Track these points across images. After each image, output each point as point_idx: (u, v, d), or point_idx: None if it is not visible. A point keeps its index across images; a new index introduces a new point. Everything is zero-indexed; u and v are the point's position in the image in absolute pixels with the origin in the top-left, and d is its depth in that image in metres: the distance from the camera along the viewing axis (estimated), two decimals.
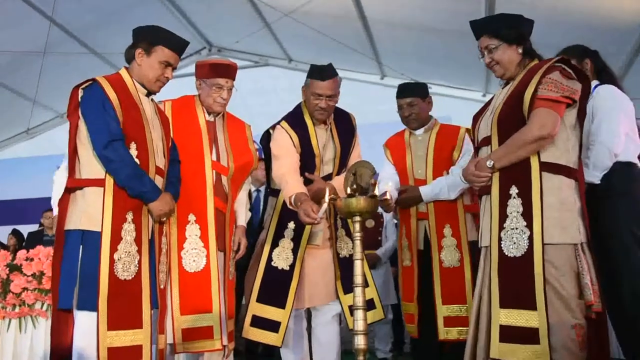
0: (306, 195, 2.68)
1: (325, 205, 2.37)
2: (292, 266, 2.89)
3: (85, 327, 2.25)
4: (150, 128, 2.47)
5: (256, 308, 2.88)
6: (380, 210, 3.74)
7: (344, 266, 2.91)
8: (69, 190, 2.41)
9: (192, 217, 2.73)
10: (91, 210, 2.31)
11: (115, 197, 2.31)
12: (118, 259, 2.28)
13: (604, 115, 2.62)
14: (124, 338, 2.26)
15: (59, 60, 6.33)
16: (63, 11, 5.84)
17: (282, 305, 2.85)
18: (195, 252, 2.70)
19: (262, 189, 4.24)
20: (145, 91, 2.52)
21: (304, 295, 2.92)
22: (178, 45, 2.53)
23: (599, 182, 2.59)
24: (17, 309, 3.62)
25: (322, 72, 2.91)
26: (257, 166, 3.09)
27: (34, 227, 6.16)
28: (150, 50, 2.47)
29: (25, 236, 6.69)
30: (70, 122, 2.43)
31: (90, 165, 2.36)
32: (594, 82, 2.76)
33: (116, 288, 2.26)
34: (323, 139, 3.02)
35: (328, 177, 3.01)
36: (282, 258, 2.91)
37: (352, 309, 2.18)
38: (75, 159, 2.41)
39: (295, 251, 2.91)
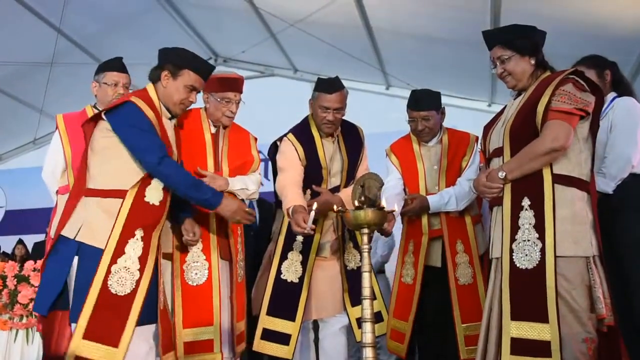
0: (303, 207, 2.68)
1: (312, 214, 2.41)
2: (302, 279, 2.89)
3: None
4: (173, 149, 2.49)
5: (266, 321, 2.88)
6: None
7: (352, 278, 2.90)
8: (76, 197, 2.37)
9: None
10: (94, 225, 2.28)
11: (132, 210, 2.29)
12: (115, 272, 2.22)
13: (624, 126, 2.64)
14: (96, 352, 2.16)
15: (66, 71, 6.37)
16: (70, 22, 5.88)
17: (292, 318, 2.84)
18: (197, 265, 2.69)
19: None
20: (168, 113, 2.53)
21: (311, 307, 2.92)
22: (204, 70, 2.54)
23: (612, 192, 2.59)
24: (24, 320, 3.62)
25: (329, 85, 2.93)
26: (258, 168, 3.04)
27: (41, 237, 6.16)
28: (176, 73, 2.46)
29: (31, 246, 6.71)
30: (84, 131, 2.44)
31: (108, 176, 2.33)
32: (612, 94, 2.78)
33: (105, 300, 2.19)
34: (330, 151, 3.02)
35: (336, 190, 3.01)
36: (291, 271, 2.91)
37: (360, 322, 2.17)
38: (85, 168, 2.39)
39: (304, 263, 2.91)
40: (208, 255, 2.69)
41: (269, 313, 2.87)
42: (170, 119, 2.54)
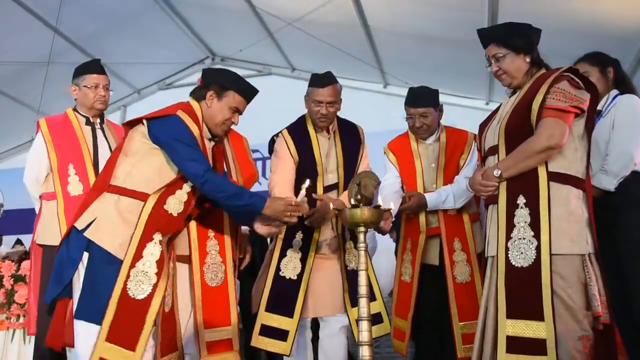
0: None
1: (302, 192, 2.44)
2: (300, 275, 2.90)
3: (85, 336, 2.23)
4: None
5: (265, 317, 2.89)
6: None
7: (352, 279, 2.89)
8: (97, 191, 2.39)
9: (211, 233, 2.73)
10: (104, 225, 2.29)
11: (152, 215, 2.31)
12: (134, 276, 2.26)
13: (626, 124, 2.65)
14: (116, 355, 2.21)
15: (63, 70, 6.34)
16: (67, 21, 5.87)
17: (291, 315, 2.86)
18: (216, 266, 2.70)
19: None
20: (208, 133, 2.54)
21: (310, 305, 2.92)
22: (249, 93, 2.55)
23: (614, 189, 2.60)
24: (21, 320, 3.62)
25: (321, 80, 2.96)
26: (258, 178, 3.07)
27: None
28: (222, 94, 2.48)
29: (28, 246, 6.70)
30: (125, 131, 2.45)
31: (133, 178, 2.35)
32: (614, 91, 2.79)
33: (124, 304, 2.23)
34: (325, 147, 3.03)
35: (333, 187, 3.02)
36: (289, 268, 2.92)
37: (357, 321, 2.18)
38: (112, 165, 2.41)
39: (303, 261, 2.92)
40: (224, 257, 2.71)
41: (267, 309, 2.89)
42: (210, 139, 2.54)
